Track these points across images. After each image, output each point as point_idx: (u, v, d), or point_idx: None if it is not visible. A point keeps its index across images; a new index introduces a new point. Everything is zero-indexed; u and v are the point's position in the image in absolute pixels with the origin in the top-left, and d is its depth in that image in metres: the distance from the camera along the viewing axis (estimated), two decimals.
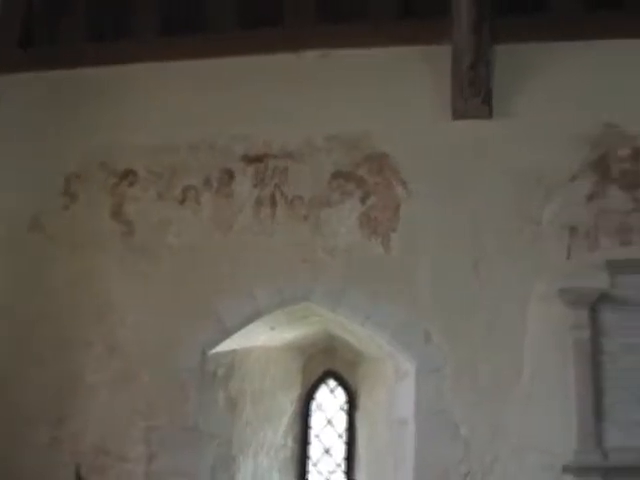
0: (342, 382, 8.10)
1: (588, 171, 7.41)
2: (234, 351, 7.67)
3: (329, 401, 8.15)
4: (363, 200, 7.54)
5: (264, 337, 7.78)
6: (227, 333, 7.46)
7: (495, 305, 7.19)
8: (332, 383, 8.14)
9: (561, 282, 7.04)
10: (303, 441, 8.06)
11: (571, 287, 6.99)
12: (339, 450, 8.04)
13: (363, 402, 7.95)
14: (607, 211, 7.29)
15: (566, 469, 6.66)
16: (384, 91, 7.78)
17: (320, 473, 8.02)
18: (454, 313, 7.21)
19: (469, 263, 7.31)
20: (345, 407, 8.08)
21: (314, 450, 8.07)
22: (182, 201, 7.76)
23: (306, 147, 7.77)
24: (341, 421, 8.08)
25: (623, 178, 7.38)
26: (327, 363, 8.13)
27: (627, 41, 7.64)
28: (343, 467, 7.98)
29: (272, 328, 7.66)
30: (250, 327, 7.50)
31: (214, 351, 7.49)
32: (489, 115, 7.58)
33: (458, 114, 7.59)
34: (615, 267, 7.04)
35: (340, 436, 8.04)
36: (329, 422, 8.09)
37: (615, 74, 7.62)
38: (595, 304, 6.94)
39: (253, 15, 8.10)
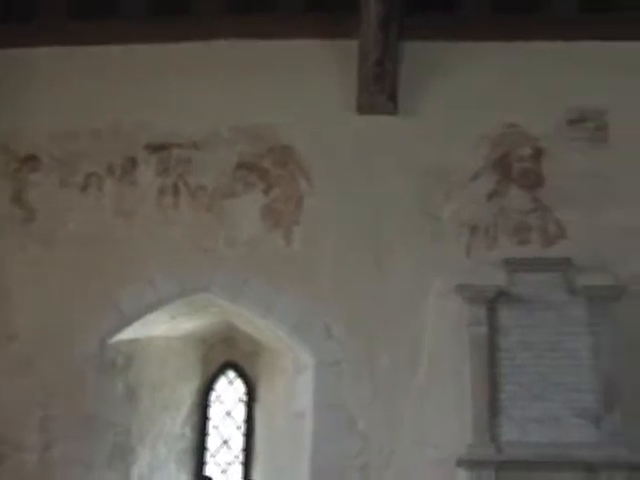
0: (242, 373, 8.08)
1: (489, 170, 7.54)
2: (134, 340, 7.60)
3: (228, 392, 8.13)
4: (266, 192, 7.55)
5: (164, 326, 7.73)
6: (127, 322, 7.40)
7: (394, 300, 7.27)
8: (231, 374, 8.12)
9: (460, 279, 7.13)
10: (201, 432, 8.02)
11: (469, 284, 7.08)
12: (237, 442, 8.02)
13: (262, 394, 7.95)
14: (507, 210, 7.42)
15: (460, 463, 6.74)
16: (291, 83, 7.78)
17: (218, 464, 7.99)
18: (354, 307, 7.26)
19: (370, 258, 7.37)
20: (244, 399, 8.07)
21: (212, 441, 8.04)
22: (84, 188, 7.66)
23: (211, 137, 7.74)
24: (240, 413, 8.06)
25: (523, 178, 7.51)
26: (227, 354, 8.10)
27: (532, 43, 7.80)
28: (241, 459, 7.96)
29: (172, 317, 7.62)
30: (150, 316, 7.45)
31: (113, 340, 7.42)
32: (394, 111, 7.65)
33: (363, 109, 7.63)
34: (513, 265, 7.17)
35: (238, 428, 8.02)
36: (228, 413, 8.07)
37: (518, 75, 7.78)
38: (492, 301, 7.04)
39: (163, 3, 8.02)
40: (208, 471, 7.91)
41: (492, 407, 6.83)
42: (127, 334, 7.49)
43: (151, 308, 7.41)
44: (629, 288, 7.12)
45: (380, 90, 7.56)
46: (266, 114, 7.72)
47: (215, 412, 8.10)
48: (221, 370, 8.12)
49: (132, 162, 7.72)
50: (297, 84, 7.78)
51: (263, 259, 7.40)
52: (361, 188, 7.53)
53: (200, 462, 7.94)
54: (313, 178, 7.57)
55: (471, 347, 6.96)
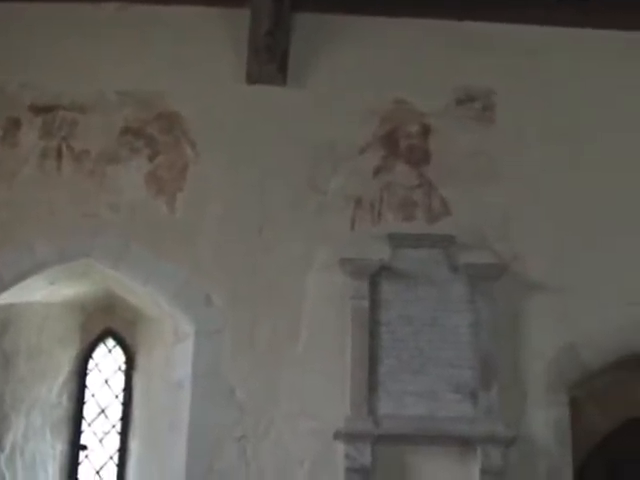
0: (121, 342, 7.97)
1: (377, 145, 7.55)
2: (10, 305, 7.43)
3: (107, 361, 8.01)
4: (151, 158, 7.42)
5: (43, 292, 7.57)
6: (4, 286, 7.21)
7: (277, 271, 7.24)
8: (111, 342, 8.00)
9: (343, 252, 7.15)
10: (79, 400, 7.89)
11: (352, 258, 7.11)
12: (115, 411, 7.92)
13: (141, 363, 7.84)
14: (392, 185, 7.45)
15: (337, 435, 6.77)
16: (181, 50, 7.67)
17: (94, 433, 7.88)
18: (236, 277, 7.21)
19: (254, 228, 7.33)
20: (123, 367, 7.97)
21: (89, 410, 7.92)
22: None
23: (98, 101, 7.58)
24: (118, 381, 7.96)
25: (410, 154, 7.55)
26: (106, 322, 7.96)
27: (425, 21, 7.85)
28: (118, 428, 7.87)
29: (51, 283, 7.47)
30: (28, 281, 7.28)
31: None
32: (283, 82, 7.60)
33: (252, 79, 7.57)
34: (396, 240, 7.20)
35: (117, 396, 7.92)
36: (106, 382, 7.96)
37: (410, 53, 7.82)
38: (375, 275, 7.06)
39: None
40: (84, 440, 7.79)
41: (371, 380, 6.87)
42: (3, 299, 7.30)
43: (29, 273, 7.23)
44: (510, 267, 7.26)
45: (270, 61, 7.50)
46: (154, 80, 7.59)
47: (93, 380, 7.96)
48: (100, 338, 7.98)
49: (15, 123, 7.53)
50: (187, 51, 7.67)
51: (145, 226, 7.28)
52: (247, 158, 7.47)
53: (76, 431, 7.80)
54: (199, 146, 7.47)
55: (352, 320, 6.99)
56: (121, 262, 7.24)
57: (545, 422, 7.04)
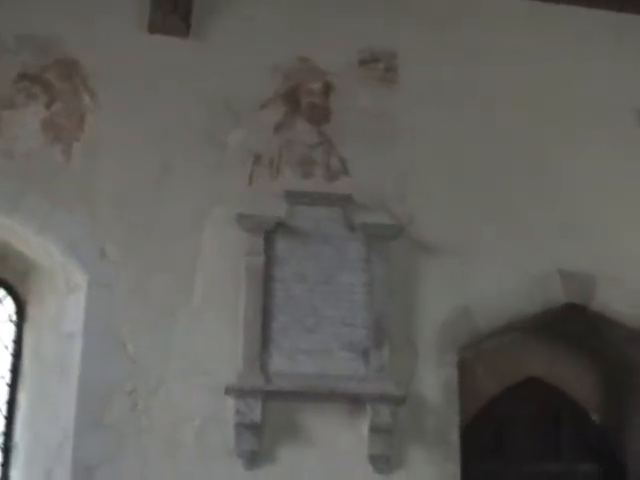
0: (12, 292, 7.83)
1: (278, 102, 7.51)
2: None
3: None
4: (48, 105, 7.23)
5: None
6: None
7: (173, 225, 7.17)
8: (1, 292, 7.85)
9: (240, 208, 7.11)
10: None
11: (249, 214, 7.07)
12: (4, 362, 7.78)
13: (32, 314, 7.71)
14: (292, 143, 7.43)
15: (228, 391, 6.77)
16: None
17: None
18: (131, 230, 7.12)
19: (151, 181, 7.24)
20: (14, 318, 7.84)
21: None
22: None
23: None
24: (8, 332, 7.82)
25: (311, 112, 7.53)
26: None
27: None
28: (7, 380, 7.74)
29: None
30: None
31: None
32: (186, 34, 7.49)
33: (154, 29, 7.43)
34: (294, 198, 7.20)
35: (6, 347, 7.79)
36: None
37: (316, 10, 7.80)
38: (271, 232, 7.06)
39: None
40: None
41: (264, 337, 6.89)
42: None
43: None
44: (406, 228, 7.32)
45: (173, 11, 7.37)
46: (54, 25, 7.38)
47: None
48: None
49: None
50: None
51: (40, 174, 7.10)
52: (147, 109, 7.35)
53: None
54: (98, 95, 7.31)
55: (247, 276, 6.98)
56: (14, 211, 7.07)
57: (434, 382, 7.16)
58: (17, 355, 7.71)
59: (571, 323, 7.82)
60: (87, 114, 7.29)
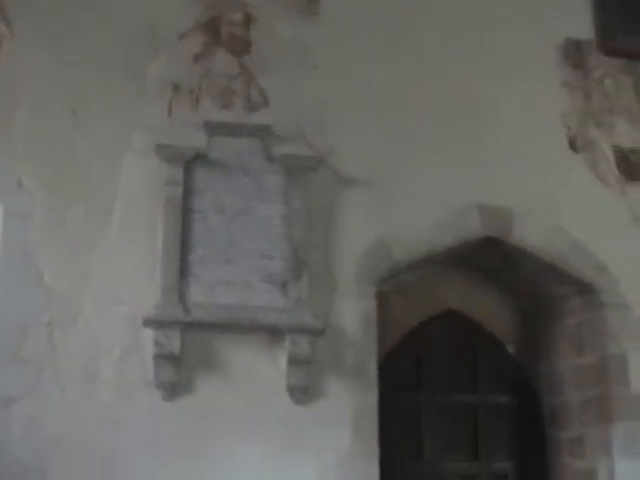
0: None
1: (198, 32, 7.41)
2: None
3: None
4: None
5: None
6: None
7: (91, 155, 7.07)
8: None
9: (159, 138, 7.02)
10: None
11: (168, 144, 7.00)
12: None
13: None
14: (212, 73, 7.34)
15: (147, 322, 6.74)
16: None
17: None
18: (48, 160, 7.01)
19: (69, 112, 7.12)
20: None
21: None
22: None
23: None
24: None
25: (231, 42, 7.46)
26: None
27: None
28: None
29: None
30: None
31: None
32: None
33: None
34: (213, 128, 7.13)
35: None
36: None
37: None
38: (190, 163, 7.00)
39: None
40: None
41: (182, 268, 6.85)
42: None
43: None
44: (326, 160, 7.32)
45: None
46: None
47: None
48: None
49: None
50: None
51: None
52: (64, 39, 7.21)
53: None
54: (14, 23, 7.15)
55: (165, 207, 6.91)
56: None
57: (353, 314, 7.19)
58: None
59: (489, 257, 7.93)
60: (3, 42, 7.13)
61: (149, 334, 6.78)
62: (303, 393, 6.97)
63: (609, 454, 7.62)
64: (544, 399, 8.39)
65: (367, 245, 7.32)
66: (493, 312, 8.41)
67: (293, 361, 6.91)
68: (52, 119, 7.12)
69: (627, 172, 8.10)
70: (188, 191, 6.98)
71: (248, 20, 7.51)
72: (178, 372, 6.80)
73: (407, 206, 7.45)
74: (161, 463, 6.71)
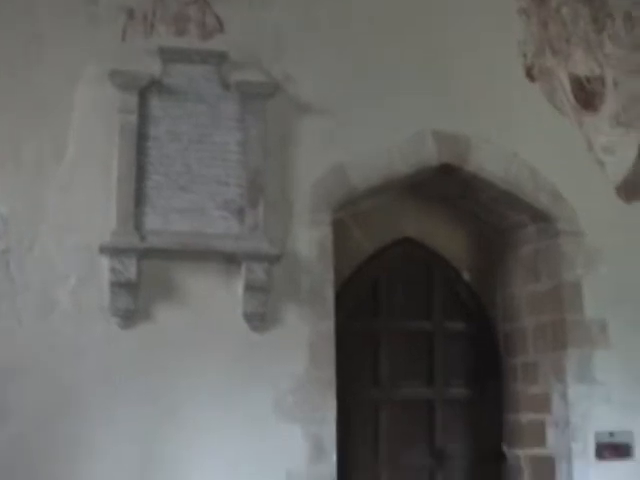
0: None
1: None
2: None
3: None
4: None
5: None
6: None
7: (45, 83, 6.96)
8: None
9: (114, 65, 6.92)
10: None
11: (122, 70, 6.91)
12: None
13: None
14: None
15: (103, 250, 6.74)
16: None
17: None
18: (1, 89, 6.90)
19: (22, 40, 6.98)
20: None
21: None
22: None
23: None
24: None
25: None
26: None
27: None
28: None
29: None
30: None
31: None
32: None
33: None
34: (168, 55, 7.03)
35: None
36: None
37: None
38: (145, 90, 6.93)
39: None
40: None
41: (138, 195, 6.83)
42: None
43: None
44: (282, 87, 7.28)
45: None
46: None
47: None
48: None
49: None
50: None
51: None
52: None
53: None
54: None
55: (120, 135, 6.85)
56: None
57: (309, 241, 7.21)
58: None
59: (445, 184, 7.96)
60: None
61: (105, 262, 6.78)
62: (260, 320, 7.01)
63: (562, 380, 7.75)
64: (499, 326, 8.52)
65: (323, 172, 7.31)
66: (449, 239, 8.47)
67: (249, 288, 6.94)
68: (6, 48, 6.98)
69: (583, 100, 8.14)
70: (143, 119, 6.91)
71: None
72: (135, 300, 6.81)
73: (364, 133, 7.44)
74: (118, 390, 6.75)
